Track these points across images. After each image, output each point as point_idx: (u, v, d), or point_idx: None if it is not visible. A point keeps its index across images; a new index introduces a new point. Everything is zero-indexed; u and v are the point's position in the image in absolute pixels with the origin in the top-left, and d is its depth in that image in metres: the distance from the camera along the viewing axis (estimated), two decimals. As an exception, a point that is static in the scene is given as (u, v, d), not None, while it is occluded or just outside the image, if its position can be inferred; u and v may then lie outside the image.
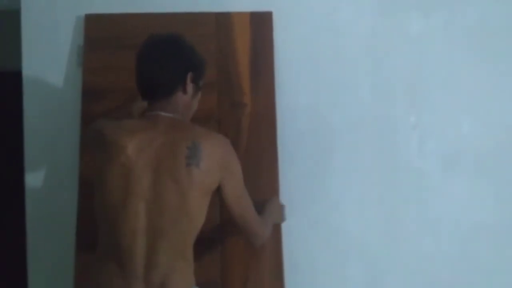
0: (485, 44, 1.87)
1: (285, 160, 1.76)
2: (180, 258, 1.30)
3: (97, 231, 1.34)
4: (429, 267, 1.81)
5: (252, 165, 1.67)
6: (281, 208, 1.67)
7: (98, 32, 1.77)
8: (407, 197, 1.83)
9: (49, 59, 1.80)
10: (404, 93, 1.85)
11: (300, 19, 1.84)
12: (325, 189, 1.81)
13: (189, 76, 1.38)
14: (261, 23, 1.79)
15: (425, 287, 1.81)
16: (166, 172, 1.29)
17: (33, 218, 1.78)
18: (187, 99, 1.40)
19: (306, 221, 1.78)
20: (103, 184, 1.30)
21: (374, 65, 1.85)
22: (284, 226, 1.68)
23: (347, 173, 1.82)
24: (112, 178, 1.29)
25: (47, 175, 1.79)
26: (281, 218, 1.66)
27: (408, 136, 1.84)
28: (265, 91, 1.76)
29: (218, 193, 1.38)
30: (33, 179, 1.79)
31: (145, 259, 1.27)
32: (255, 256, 1.63)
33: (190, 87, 1.39)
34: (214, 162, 1.33)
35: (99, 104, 1.71)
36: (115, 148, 1.30)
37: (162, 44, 1.39)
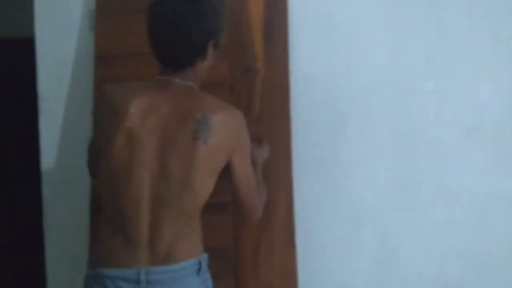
0: (507, 8, 1.80)
1: (298, 128, 1.74)
2: (185, 227, 1.26)
3: (103, 196, 1.32)
4: (443, 236, 1.79)
5: (264, 132, 1.66)
6: (264, 151, 1.56)
7: (110, -4, 1.75)
8: (422, 166, 1.80)
9: (61, 25, 1.79)
10: (422, 59, 1.81)
11: (316, -18, 1.80)
12: (339, 157, 1.79)
13: (210, 44, 1.27)
14: (275, -14, 1.75)
15: (438, 256, 1.80)
16: (171, 142, 1.24)
17: (49, 185, 1.80)
18: (206, 64, 1.31)
19: (319, 188, 1.77)
20: (108, 149, 1.26)
21: (391, 30, 1.80)
22: (296, 192, 1.68)
23: (361, 141, 1.79)
24: (117, 143, 1.24)
25: (62, 141, 1.80)
26: (268, 154, 1.57)
27: (425, 104, 1.80)
28: (279, 57, 1.73)
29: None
30: (48, 145, 1.80)
31: (149, 228, 1.23)
32: (267, 222, 1.63)
33: (210, 53, 1.28)
34: (224, 140, 1.26)
35: (112, 69, 1.70)
36: (119, 112, 1.25)
37: (182, 4, 1.23)
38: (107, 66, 1.71)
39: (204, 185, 1.26)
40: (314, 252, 1.75)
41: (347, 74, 1.80)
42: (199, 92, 1.33)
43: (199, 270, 1.26)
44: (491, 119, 1.81)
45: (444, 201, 1.80)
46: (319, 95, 1.79)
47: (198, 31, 1.24)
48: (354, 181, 1.79)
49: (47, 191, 1.80)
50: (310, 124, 1.77)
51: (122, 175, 1.24)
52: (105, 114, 1.30)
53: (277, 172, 1.65)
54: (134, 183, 1.23)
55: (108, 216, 1.29)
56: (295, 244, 1.63)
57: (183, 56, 1.27)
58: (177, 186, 1.23)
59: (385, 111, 1.80)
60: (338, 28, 1.80)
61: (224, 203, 1.60)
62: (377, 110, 1.80)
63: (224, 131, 1.26)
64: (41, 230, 1.81)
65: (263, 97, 1.70)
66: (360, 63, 1.80)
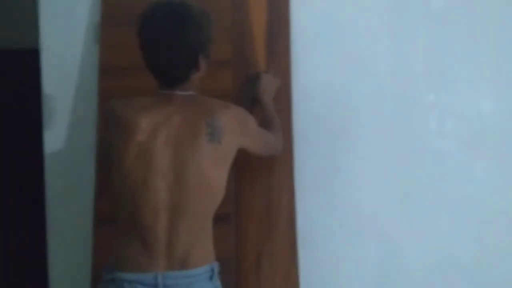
0: (508, 20, 1.82)
1: (300, 139, 1.74)
2: (200, 233, 1.33)
3: (117, 209, 1.36)
4: (444, 247, 1.79)
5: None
6: (270, 81, 1.65)
7: (116, 8, 1.77)
8: (424, 178, 1.80)
9: (66, 36, 1.81)
10: (423, 71, 1.82)
11: (318, -6, 1.82)
12: (341, 168, 1.79)
13: (202, 56, 1.35)
14: (277, -2, 1.77)
15: (439, 268, 1.79)
16: (186, 149, 1.30)
17: (52, 194, 1.81)
18: (200, 74, 1.39)
19: (321, 199, 1.77)
20: (121, 164, 1.30)
21: (393, 42, 1.82)
22: (299, 203, 1.68)
23: (362, 152, 1.80)
24: (129, 158, 1.29)
25: (65, 152, 1.81)
26: (277, 85, 1.67)
27: (427, 115, 1.81)
28: (281, 68, 1.73)
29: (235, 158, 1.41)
30: (52, 157, 1.81)
31: (167, 236, 1.29)
32: (269, 233, 1.63)
33: (203, 64, 1.37)
34: (234, 134, 1.36)
35: (117, 81, 1.71)
36: (129, 127, 1.30)
37: (169, 24, 1.29)
38: (111, 78, 1.73)
39: (222, 182, 1.35)
40: (316, 264, 1.74)
41: (349, 86, 1.81)
42: (201, 97, 1.41)
43: (211, 276, 1.33)
44: (492, 131, 1.82)
45: (446, 213, 1.80)
46: (320, 105, 1.80)
47: (187, 48, 1.32)
48: (356, 192, 1.79)
49: (51, 201, 1.81)
50: (311, 135, 1.78)
51: (138, 186, 1.29)
52: (115, 129, 1.34)
53: (279, 183, 1.66)
54: (151, 193, 1.29)
55: (125, 225, 1.33)
56: (297, 256, 1.63)
57: (178, 73, 1.35)
58: (193, 191, 1.30)
59: (386, 123, 1.81)
60: (340, 40, 1.81)
61: (226, 214, 1.61)
62: (378, 122, 1.81)
63: (232, 127, 1.36)
64: (44, 238, 1.81)
65: (265, 109, 1.71)
66: (361, 74, 1.81)
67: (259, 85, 1.62)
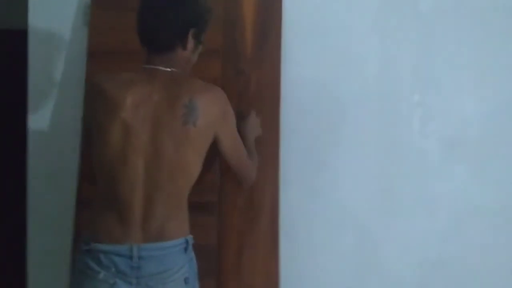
0: (495, 24, 1.85)
1: (287, 132, 1.76)
2: (175, 208, 1.35)
3: (96, 183, 1.37)
4: (422, 244, 1.82)
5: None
6: (257, 122, 1.67)
7: (106, -8, 1.76)
8: (406, 175, 1.83)
9: (55, 18, 1.79)
10: (410, 70, 1.84)
11: (310, -10, 1.83)
12: (325, 163, 1.81)
13: (190, 33, 1.37)
14: (270, -9, 1.77)
15: (417, 263, 1.83)
16: (163, 129, 1.32)
17: (34, 176, 1.80)
18: (187, 54, 1.40)
19: (304, 192, 1.79)
20: (103, 138, 1.32)
21: (382, 40, 1.84)
22: (282, 196, 1.70)
23: (347, 148, 1.82)
24: (112, 133, 1.31)
25: (50, 133, 1.80)
26: (260, 130, 1.67)
27: (411, 115, 1.84)
28: (271, 61, 1.74)
29: (215, 148, 1.41)
30: (36, 137, 1.80)
31: (143, 209, 1.31)
32: (251, 224, 1.64)
33: (190, 43, 1.38)
34: (210, 118, 1.35)
35: (105, 65, 1.70)
36: (113, 103, 1.32)
37: None
38: (99, 62, 1.72)
39: (195, 165, 1.36)
40: (297, 256, 1.76)
41: (336, 82, 1.83)
42: (183, 76, 1.40)
43: (186, 248, 1.35)
44: (473, 133, 1.85)
45: (425, 211, 1.83)
46: (307, 100, 1.82)
47: (178, 16, 1.35)
48: (339, 187, 1.81)
49: (33, 184, 1.80)
50: (297, 129, 1.79)
51: (117, 162, 1.31)
52: (98, 103, 1.35)
53: (264, 175, 1.66)
54: (129, 169, 1.31)
55: (102, 198, 1.35)
56: (278, 248, 1.65)
57: (163, 38, 1.36)
58: (170, 169, 1.31)
59: (371, 120, 1.83)
60: (330, 36, 1.83)
61: (210, 202, 1.62)
62: (364, 119, 1.83)
63: (210, 111, 1.35)
64: (24, 224, 1.80)
65: (253, 100, 1.72)
66: (349, 72, 1.83)
67: (246, 122, 1.62)
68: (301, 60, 1.81)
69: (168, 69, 1.37)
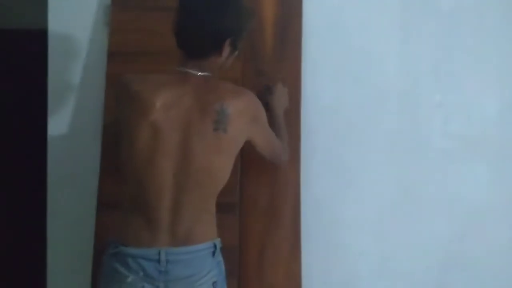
0: (518, 23, 1.83)
1: (307, 132, 1.75)
2: (203, 212, 1.35)
3: (123, 184, 1.37)
4: (443, 245, 1.81)
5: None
6: (284, 93, 1.67)
7: (126, -8, 1.76)
8: (427, 175, 1.81)
9: (75, 18, 1.79)
10: (431, 70, 1.83)
11: (331, -12, 1.82)
12: (346, 162, 1.80)
13: (228, 41, 1.35)
14: (290, -8, 1.77)
15: (438, 264, 1.81)
16: (193, 133, 1.31)
17: (54, 179, 1.80)
18: (221, 60, 1.38)
19: (324, 193, 1.78)
20: (133, 140, 1.31)
21: (402, 39, 1.82)
22: (303, 196, 1.69)
23: (367, 148, 1.81)
24: (141, 136, 1.30)
25: (70, 135, 1.80)
26: (287, 101, 1.67)
27: (432, 115, 1.82)
28: (291, 61, 1.74)
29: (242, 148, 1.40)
30: (56, 139, 1.80)
31: (170, 213, 1.31)
32: (273, 225, 1.64)
33: (226, 50, 1.36)
34: (241, 125, 1.35)
35: (125, 66, 1.70)
36: (144, 105, 1.31)
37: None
38: (120, 62, 1.71)
39: (224, 170, 1.36)
40: (318, 257, 1.76)
41: (357, 81, 1.81)
42: (216, 81, 1.39)
43: (214, 252, 1.35)
44: (495, 133, 1.83)
45: (446, 211, 1.82)
46: (328, 101, 1.80)
47: (219, 23, 1.32)
48: (359, 188, 1.80)
49: (52, 186, 1.80)
50: (318, 130, 1.78)
51: (145, 164, 1.31)
52: (128, 104, 1.34)
53: (285, 175, 1.66)
54: (158, 172, 1.30)
55: (130, 201, 1.35)
56: (300, 248, 1.65)
57: (200, 45, 1.33)
58: (198, 174, 1.31)
59: (392, 119, 1.82)
60: (349, 36, 1.81)
61: (231, 204, 1.61)
62: (384, 119, 1.81)
63: (240, 118, 1.35)
64: (44, 228, 1.80)
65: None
66: (370, 71, 1.82)
67: (273, 96, 1.61)
68: (321, 60, 1.80)
69: (201, 73, 1.35)
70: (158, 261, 1.28)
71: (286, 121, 1.64)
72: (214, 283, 1.32)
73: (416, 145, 1.82)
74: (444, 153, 1.82)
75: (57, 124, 1.80)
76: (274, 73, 1.73)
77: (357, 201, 1.80)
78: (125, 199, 1.36)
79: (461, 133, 1.83)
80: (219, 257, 1.37)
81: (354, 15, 1.82)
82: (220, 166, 1.33)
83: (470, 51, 1.83)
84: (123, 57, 1.72)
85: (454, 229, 1.81)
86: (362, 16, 1.82)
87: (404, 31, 1.83)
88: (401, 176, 1.81)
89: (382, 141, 1.81)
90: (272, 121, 1.51)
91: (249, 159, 1.59)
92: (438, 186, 1.81)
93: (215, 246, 1.35)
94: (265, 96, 1.50)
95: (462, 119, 1.83)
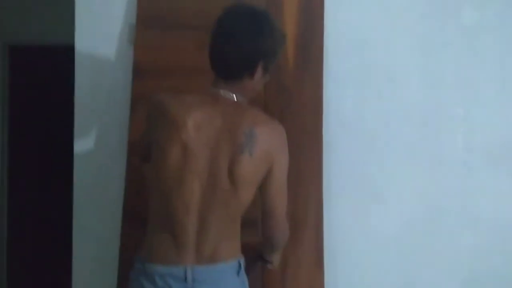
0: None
1: (329, 148, 1.75)
2: (229, 230, 1.36)
3: (150, 201, 1.39)
4: (467, 261, 1.80)
5: (295, 152, 1.65)
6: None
7: (151, 11, 1.78)
8: (450, 191, 1.81)
9: (101, 36, 1.83)
10: (453, 85, 1.82)
11: (351, 6, 1.82)
12: (369, 178, 1.80)
13: (261, 64, 1.37)
14: (312, 7, 1.77)
15: (463, 281, 1.80)
16: (221, 155, 1.33)
17: (81, 193, 1.83)
18: (253, 83, 1.39)
19: (347, 210, 1.78)
20: (163, 158, 1.33)
21: (424, 55, 1.82)
22: (325, 212, 1.69)
23: (390, 164, 1.80)
24: (172, 154, 1.32)
25: (96, 150, 1.84)
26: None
27: (455, 130, 1.82)
28: (313, 77, 1.75)
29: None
30: (82, 154, 1.84)
31: (196, 232, 1.33)
32: (295, 240, 1.64)
33: (259, 73, 1.38)
34: (267, 150, 1.36)
35: (149, 83, 1.73)
36: (175, 125, 1.33)
37: (243, 22, 1.35)
38: (144, 80, 1.75)
39: (248, 194, 1.37)
40: (341, 273, 1.76)
41: (379, 97, 1.82)
42: (246, 106, 1.41)
43: (239, 271, 1.36)
44: (520, 147, 1.82)
45: (470, 227, 1.80)
46: (350, 115, 1.81)
47: (253, 46, 1.34)
48: (382, 202, 1.80)
49: (78, 200, 1.83)
50: (340, 144, 1.79)
51: (174, 182, 1.33)
52: (160, 123, 1.36)
53: (307, 191, 1.67)
54: (186, 190, 1.33)
55: (158, 218, 1.37)
56: (323, 264, 1.65)
57: (234, 67, 1.36)
58: (224, 194, 1.33)
59: (415, 135, 1.81)
60: (371, 51, 1.82)
61: (253, 219, 1.62)
62: (407, 134, 1.81)
63: (267, 143, 1.36)
64: (70, 242, 1.83)
65: (295, 117, 1.72)
66: (391, 86, 1.82)
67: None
68: (343, 76, 1.81)
69: (232, 95, 1.37)
70: (185, 279, 1.30)
71: (307, 139, 1.64)
72: None
73: (439, 159, 1.81)
74: (467, 167, 1.81)
75: (83, 139, 1.84)
76: (296, 90, 1.74)
77: (380, 216, 1.80)
78: (152, 215, 1.38)
79: (484, 147, 1.81)
80: (243, 275, 1.39)
81: (375, 30, 1.82)
82: (245, 190, 1.34)
83: (492, 66, 1.82)
84: (148, 75, 1.75)
85: (480, 245, 1.80)
86: (383, 32, 1.82)
87: (426, 46, 1.82)
88: (425, 191, 1.81)
89: (405, 155, 1.81)
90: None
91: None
92: (463, 201, 1.80)
93: (239, 265, 1.37)
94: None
95: (485, 132, 1.82)
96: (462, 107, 1.82)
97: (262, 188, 1.38)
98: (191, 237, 1.32)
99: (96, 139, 1.84)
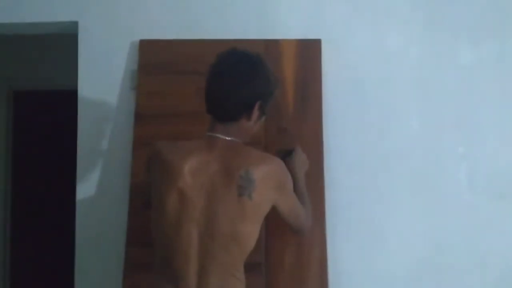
0: (539, 76, 1.83)
1: (331, 187, 1.75)
2: (230, 278, 1.34)
3: (154, 246, 1.38)
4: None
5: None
6: (304, 157, 1.64)
7: (152, 57, 1.82)
8: (455, 230, 1.79)
9: (103, 82, 1.87)
10: (453, 123, 1.84)
11: (349, 47, 1.86)
12: (371, 218, 1.79)
13: (257, 105, 1.38)
14: (309, 51, 1.81)
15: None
16: (218, 199, 1.33)
17: (82, 239, 1.82)
18: (250, 124, 1.41)
19: (351, 249, 1.77)
20: (162, 205, 1.34)
21: (423, 94, 1.85)
22: (330, 254, 1.67)
23: (393, 202, 1.80)
24: (170, 201, 1.33)
25: (98, 195, 1.84)
26: (307, 164, 1.65)
27: (457, 168, 1.82)
28: (313, 117, 1.77)
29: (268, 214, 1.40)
30: (85, 198, 1.84)
31: (197, 279, 1.31)
32: (300, 284, 1.62)
33: (255, 114, 1.40)
34: (266, 191, 1.35)
35: (151, 128, 1.75)
36: (173, 172, 1.34)
37: (239, 65, 1.37)
38: (146, 124, 1.77)
39: (250, 235, 1.36)
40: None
41: (379, 136, 1.83)
42: (241, 146, 1.41)
43: None
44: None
45: (476, 266, 1.78)
46: (351, 155, 1.81)
47: (248, 89, 1.36)
48: (386, 243, 1.78)
49: (81, 247, 1.82)
50: (341, 185, 1.79)
51: (172, 231, 1.32)
52: (159, 171, 1.38)
53: (311, 232, 1.64)
54: (184, 238, 1.32)
55: (158, 266, 1.36)
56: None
57: (230, 110, 1.37)
58: (223, 240, 1.32)
59: (416, 174, 1.81)
60: (370, 91, 1.84)
61: (257, 263, 1.61)
62: (408, 174, 1.81)
63: (266, 184, 1.35)
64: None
65: (296, 157, 1.73)
66: (391, 125, 1.83)
67: (293, 160, 1.60)
68: (343, 116, 1.82)
69: (228, 138, 1.38)
70: None
71: (309, 179, 1.64)
72: None
73: (442, 199, 1.80)
74: (471, 204, 1.80)
75: (86, 183, 1.84)
76: (296, 131, 1.76)
77: (385, 256, 1.78)
78: (154, 263, 1.37)
79: (487, 183, 1.81)
80: None
81: (373, 69, 1.85)
82: (246, 231, 1.34)
83: (491, 103, 1.84)
84: (149, 119, 1.77)
85: (486, 285, 1.77)
86: (381, 72, 1.85)
87: (424, 85, 1.85)
88: (428, 231, 1.79)
89: (407, 194, 1.80)
90: (293, 186, 1.50)
91: (274, 218, 1.58)
92: (468, 241, 1.78)
93: None
94: (285, 162, 1.50)
95: (487, 171, 1.81)
96: (462, 145, 1.82)
97: (278, 214, 1.42)
98: (191, 285, 1.30)
99: (98, 183, 1.85)
